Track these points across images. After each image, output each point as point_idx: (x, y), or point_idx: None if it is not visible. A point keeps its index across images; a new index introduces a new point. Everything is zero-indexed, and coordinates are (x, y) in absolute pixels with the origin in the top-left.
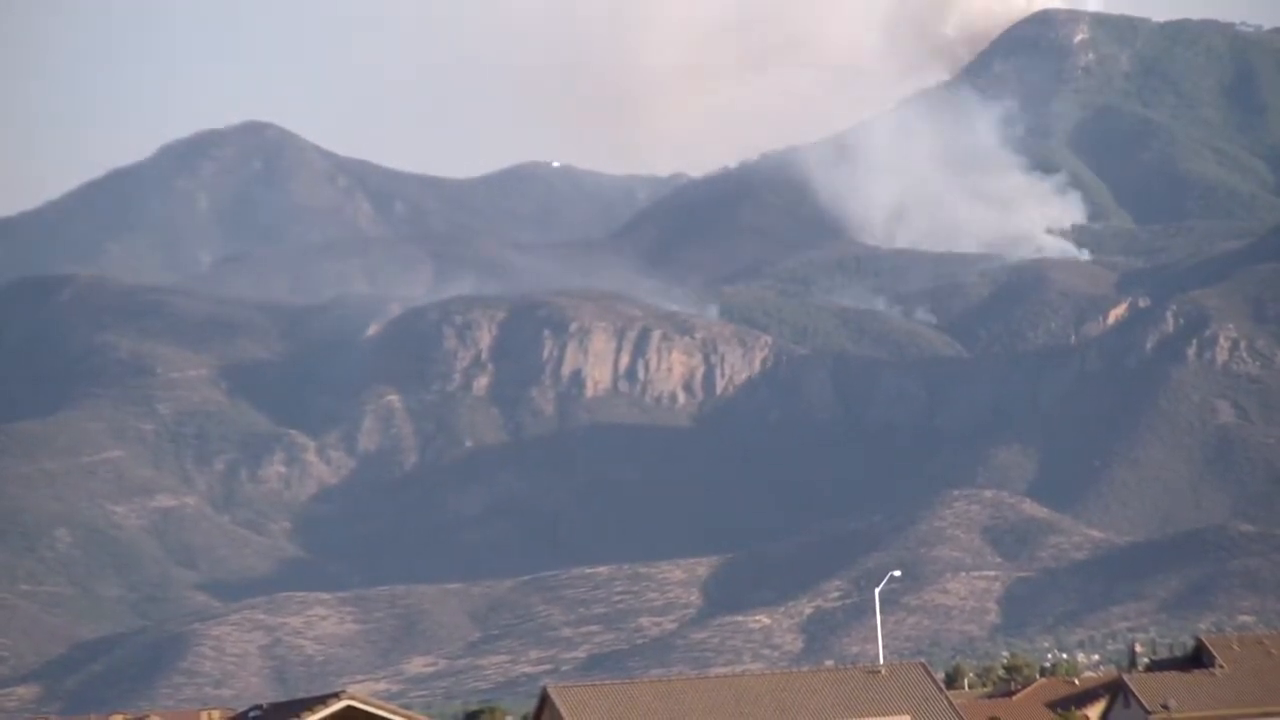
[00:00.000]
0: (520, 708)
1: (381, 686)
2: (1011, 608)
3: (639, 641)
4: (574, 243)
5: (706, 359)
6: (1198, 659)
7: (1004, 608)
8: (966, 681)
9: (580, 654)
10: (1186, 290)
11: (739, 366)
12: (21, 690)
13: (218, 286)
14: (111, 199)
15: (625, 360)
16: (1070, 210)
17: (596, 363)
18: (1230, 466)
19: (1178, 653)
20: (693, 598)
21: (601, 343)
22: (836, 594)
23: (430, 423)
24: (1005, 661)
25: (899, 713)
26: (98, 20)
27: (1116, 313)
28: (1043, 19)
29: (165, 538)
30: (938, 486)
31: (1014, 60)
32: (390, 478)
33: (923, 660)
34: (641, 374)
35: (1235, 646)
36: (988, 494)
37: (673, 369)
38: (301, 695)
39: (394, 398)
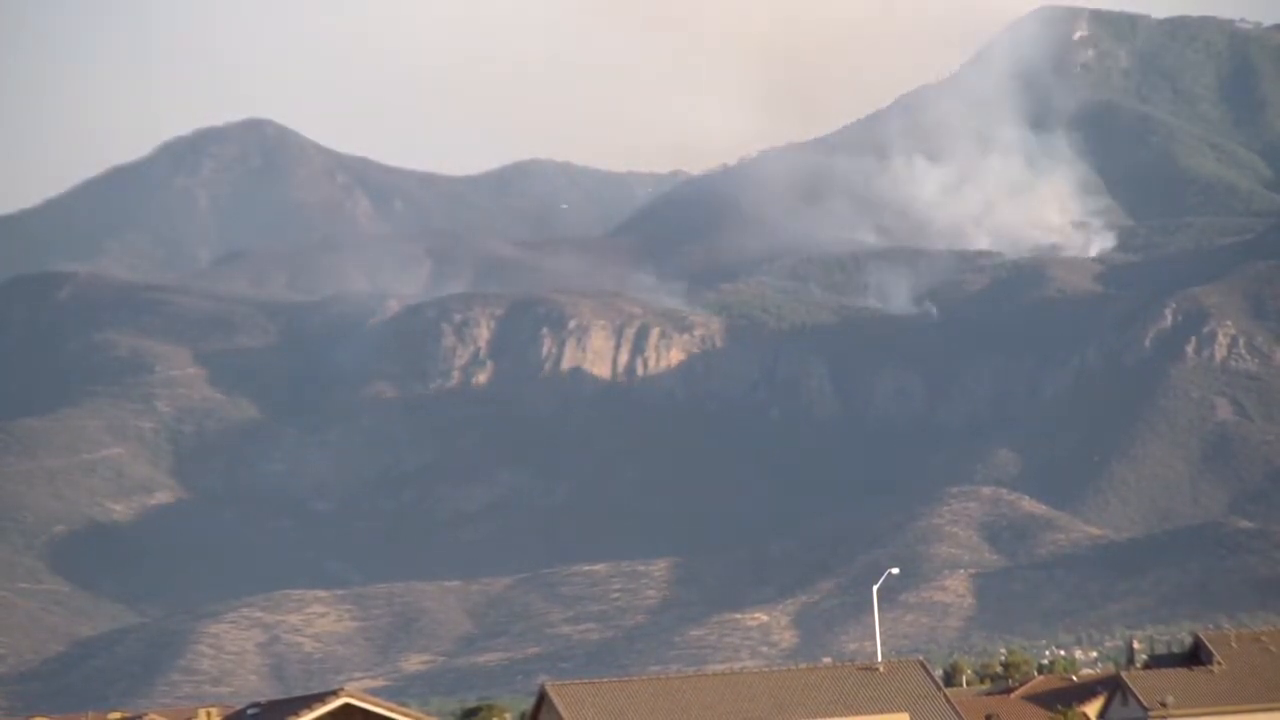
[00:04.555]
0: (518, 705)
1: (379, 684)
2: (1009, 604)
3: (636, 638)
4: (572, 240)
5: (705, 356)
6: (1195, 656)
7: (1002, 604)
8: (964, 679)
9: (578, 651)
10: (1185, 287)
11: (737, 363)
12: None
13: (217, 284)
14: (111, 196)
15: (624, 357)
16: (1070, 207)
17: (595, 360)
18: (1228, 463)
19: (1175, 649)
20: (690, 595)
21: (600, 340)
22: (834, 591)
23: (428, 420)
24: (1003, 658)
25: (897, 710)
26: (98, 19)
27: (1115, 310)
28: (1043, 15)
29: (164, 535)
30: (936, 483)
31: (1014, 56)
32: (388, 475)
33: (921, 657)
34: (640, 371)
35: (1233, 643)
36: (986, 491)
37: (671, 366)
38: (299, 693)
39: (392, 395)
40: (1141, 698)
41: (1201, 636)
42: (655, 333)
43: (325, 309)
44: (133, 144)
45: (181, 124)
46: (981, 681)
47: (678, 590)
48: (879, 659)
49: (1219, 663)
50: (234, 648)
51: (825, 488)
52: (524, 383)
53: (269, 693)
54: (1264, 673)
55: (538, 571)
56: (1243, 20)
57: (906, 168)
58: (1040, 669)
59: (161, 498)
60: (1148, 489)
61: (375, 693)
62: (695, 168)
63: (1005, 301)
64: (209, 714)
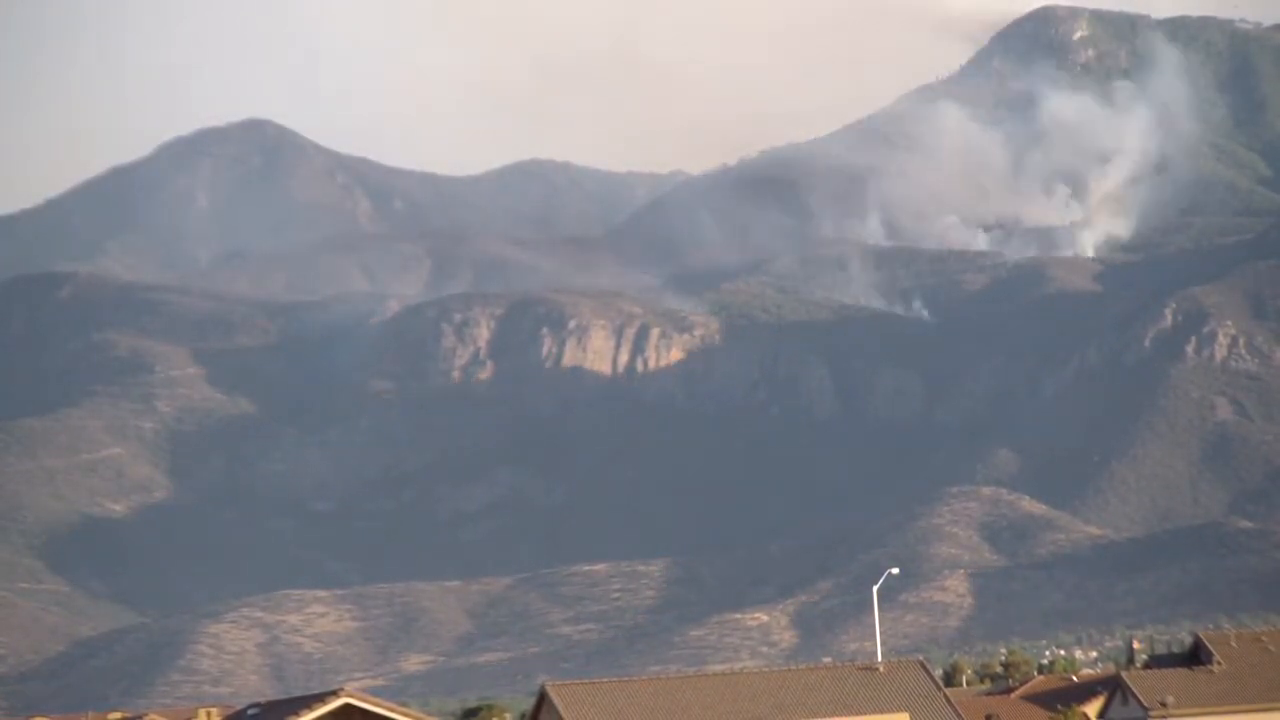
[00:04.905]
0: (518, 705)
1: (379, 684)
2: (1009, 604)
3: (636, 638)
4: (572, 240)
5: (705, 356)
6: (1195, 656)
7: (1002, 604)
8: (964, 679)
9: (578, 651)
10: (1185, 287)
11: (737, 364)
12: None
13: (217, 284)
14: (111, 197)
15: (624, 357)
16: (1069, 207)
17: (595, 360)
18: (1228, 463)
19: (1175, 649)
20: (690, 595)
21: (600, 340)
22: (834, 591)
23: (428, 420)
24: (1003, 658)
25: (897, 710)
26: (98, 19)
27: (1115, 309)
28: (1042, 15)
29: (164, 535)
30: (936, 483)
31: (1013, 57)
32: (388, 475)
33: (921, 657)
34: (640, 371)
35: (1233, 643)
36: (986, 491)
37: (671, 366)
38: (299, 693)
39: (392, 395)
40: (1141, 698)
41: (1201, 636)
42: (655, 333)
43: (325, 309)
44: (133, 144)
45: (181, 124)
46: (981, 681)
47: (678, 590)
48: (879, 659)
49: (1219, 663)
50: (234, 648)
51: (825, 488)
52: (524, 382)
53: (269, 693)
54: (1264, 673)
55: (538, 571)
56: (1243, 20)
57: (906, 167)
58: (1040, 669)
59: (161, 498)
60: (1148, 489)
61: (375, 693)
62: (695, 168)
63: (1005, 301)
64: (209, 714)
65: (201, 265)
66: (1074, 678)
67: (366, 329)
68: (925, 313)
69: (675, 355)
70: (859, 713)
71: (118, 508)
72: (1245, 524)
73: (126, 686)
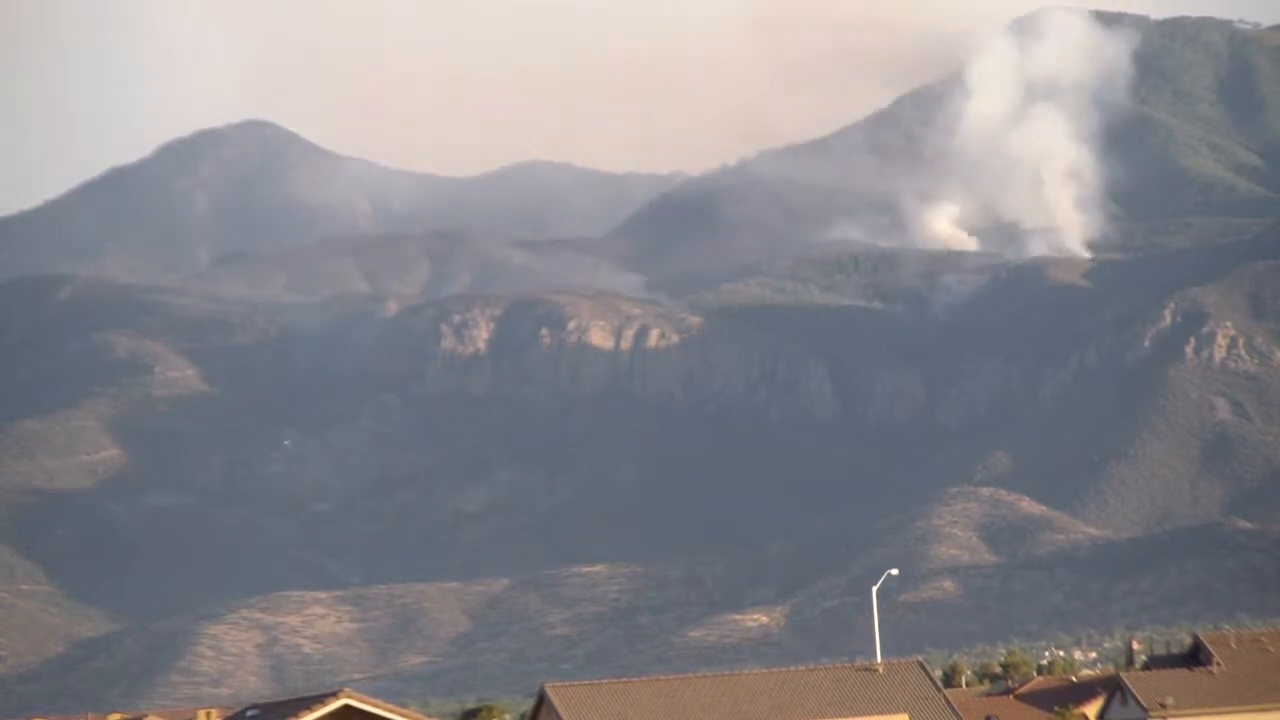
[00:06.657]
0: (518, 706)
1: (379, 685)
2: (1009, 605)
3: (636, 639)
4: (571, 241)
5: (704, 357)
6: (1195, 656)
7: (1001, 605)
8: (964, 679)
9: (578, 652)
10: (1184, 287)
11: (737, 365)
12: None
13: (216, 285)
14: (111, 198)
15: (623, 358)
16: (1069, 207)
17: (594, 360)
18: (1228, 464)
19: (1175, 650)
20: (690, 596)
21: (599, 341)
22: (834, 592)
23: (428, 420)
24: (1003, 659)
25: (897, 711)
26: (97, 19)
27: (1114, 310)
28: (1043, 15)
29: (163, 536)
30: (935, 484)
31: (1013, 57)
32: (388, 476)
33: (920, 658)
34: (639, 372)
35: (1233, 644)
36: (985, 491)
37: (670, 366)
38: (299, 694)
39: (391, 396)
40: (1141, 698)
41: (1201, 637)
42: (655, 333)
43: (324, 310)
44: (132, 145)
45: (181, 125)
46: (981, 682)
47: (678, 590)
48: (878, 659)
49: (1219, 663)
50: (234, 649)
51: (825, 488)
52: (523, 383)
53: (269, 694)
54: (1264, 673)
55: (537, 572)
56: (1242, 21)
57: (906, 168)
58: (1039, 669)
59: (161, 498)
60: (1147, 489)
61: (375, 694)
62: (695, 168)
63: (1005, 301)
64: (209, 715)
65: (201, 266)
66: (1073, 678)
67: (366, 329)
68: (925, 312)
69: (675, 356)
70: (858, 713)
71: (117, 509)
72: (1244, 524)
73: (126, 688)
